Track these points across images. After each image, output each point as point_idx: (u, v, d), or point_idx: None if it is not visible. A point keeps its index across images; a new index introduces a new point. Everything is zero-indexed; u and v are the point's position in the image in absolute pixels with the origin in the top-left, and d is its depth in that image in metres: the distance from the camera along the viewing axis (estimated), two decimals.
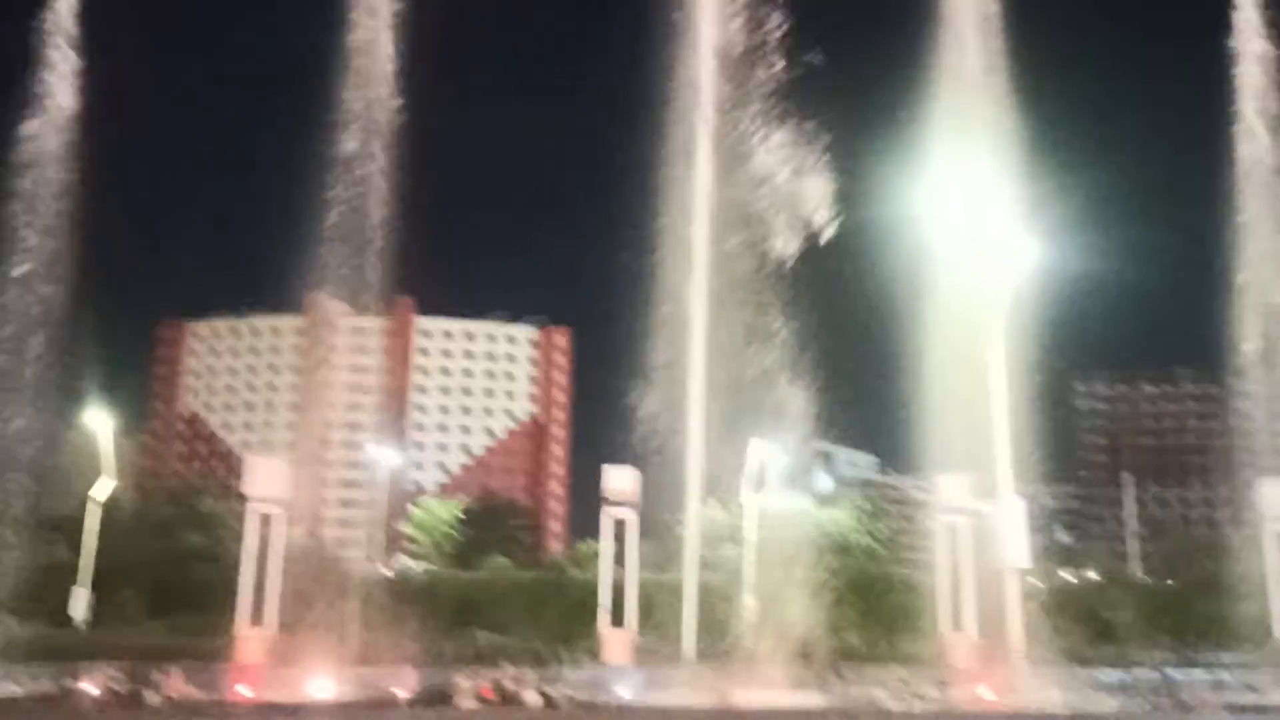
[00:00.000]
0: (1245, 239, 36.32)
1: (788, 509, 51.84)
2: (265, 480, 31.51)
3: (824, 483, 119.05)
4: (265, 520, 30.52)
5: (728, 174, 35.83)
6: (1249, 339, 35.35)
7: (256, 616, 29.65)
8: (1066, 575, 47.41)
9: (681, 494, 34.86)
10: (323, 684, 25.19)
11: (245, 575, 29.97)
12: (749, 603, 35.87)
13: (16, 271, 34.38)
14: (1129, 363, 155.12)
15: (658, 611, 38.01)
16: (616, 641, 31.80)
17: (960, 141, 31.98)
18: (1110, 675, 26.38)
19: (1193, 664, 28.02)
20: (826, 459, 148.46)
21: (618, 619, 31.97)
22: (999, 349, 31.46)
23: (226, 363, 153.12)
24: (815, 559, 40.04)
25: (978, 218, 31.22)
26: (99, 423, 40.00)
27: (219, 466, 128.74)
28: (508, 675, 24.58)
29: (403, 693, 24.11)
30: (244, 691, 24.60)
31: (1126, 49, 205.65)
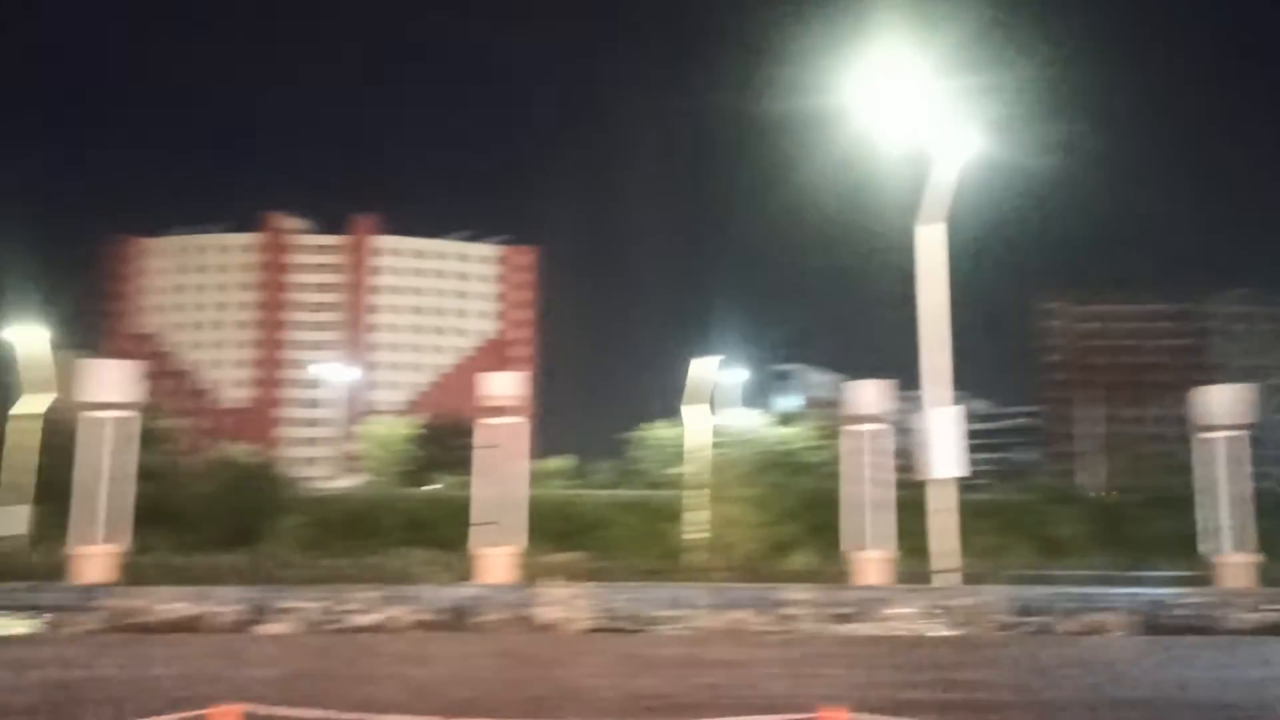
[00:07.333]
0: None
1: (740, 427, 51.32)
2: (104, 384, 28.71)
3: (789, 401, 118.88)
4: (107, 426, 28.16)
5: None
6: None
7: (97, 533, 27.60)
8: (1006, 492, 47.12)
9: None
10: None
11: (81, 489, 27.80)
12: (695, 519, 35.38)
13: None
14: (1088, 279, 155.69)
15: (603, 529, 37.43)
16: (493, 561, 29.27)
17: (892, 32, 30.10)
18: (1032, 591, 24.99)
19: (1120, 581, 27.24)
20: (789, 378, 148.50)
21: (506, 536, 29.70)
22: (937, 252, 30.16)
23: (181, 280, 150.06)
24: (766, 476, 39.61)
25: (911, 111, 29.52)
26: (29, 335, 38.30)
27: (171, 384, 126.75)
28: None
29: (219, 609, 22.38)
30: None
31: None
